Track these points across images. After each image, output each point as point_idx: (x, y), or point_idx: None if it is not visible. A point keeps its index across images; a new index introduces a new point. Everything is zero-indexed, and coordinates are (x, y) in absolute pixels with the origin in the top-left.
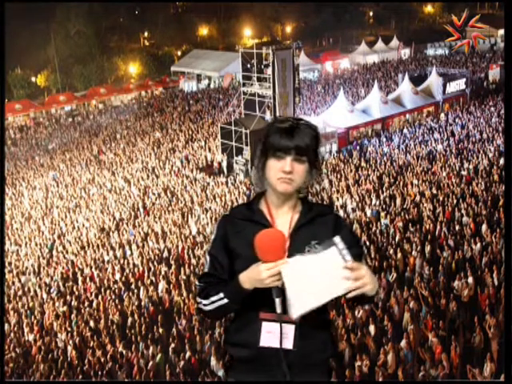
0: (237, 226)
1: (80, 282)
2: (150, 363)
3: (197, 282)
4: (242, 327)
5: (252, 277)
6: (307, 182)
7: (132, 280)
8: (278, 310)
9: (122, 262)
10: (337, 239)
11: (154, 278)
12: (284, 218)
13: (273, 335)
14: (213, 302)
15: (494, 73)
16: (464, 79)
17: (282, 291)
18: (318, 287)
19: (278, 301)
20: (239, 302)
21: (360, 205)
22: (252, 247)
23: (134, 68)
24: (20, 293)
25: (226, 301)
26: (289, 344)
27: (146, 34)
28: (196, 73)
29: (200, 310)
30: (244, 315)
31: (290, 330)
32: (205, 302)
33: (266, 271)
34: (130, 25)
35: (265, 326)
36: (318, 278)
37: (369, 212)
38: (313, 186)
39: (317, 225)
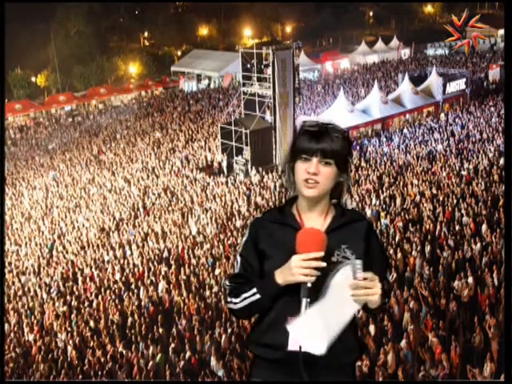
0: (268, 228)
1: (80, 282)
2: (150, 363)
3: (227, 282)
4: (269, 328)
5: (285, 267)
6: (339, 189)
7: (132, 280)
8: (304, 310)
9: (122, 262)
10: (358, 263)
11: (154, 278)
12: (314, 223)
13: None
14: (245, 299)
15: (494, 73)
16: (464, 79)
17: (310, 291)
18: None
19: (304, 301)
20: (270, 298)
21: (360, 205)
22: (282, 249)
23: (134, 68)
24: (20, 293)
25: (258, 296)
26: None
27: (146, 34)
28: (196, 73)
29: (230, 309)
30: (271, 316)
31: None
32: (235, 300)
33: (297, 261)
34: (130, 25)
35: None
36: (332, 315)
37: (369, 212)
38: (344, 192)
39: (348, 230)
